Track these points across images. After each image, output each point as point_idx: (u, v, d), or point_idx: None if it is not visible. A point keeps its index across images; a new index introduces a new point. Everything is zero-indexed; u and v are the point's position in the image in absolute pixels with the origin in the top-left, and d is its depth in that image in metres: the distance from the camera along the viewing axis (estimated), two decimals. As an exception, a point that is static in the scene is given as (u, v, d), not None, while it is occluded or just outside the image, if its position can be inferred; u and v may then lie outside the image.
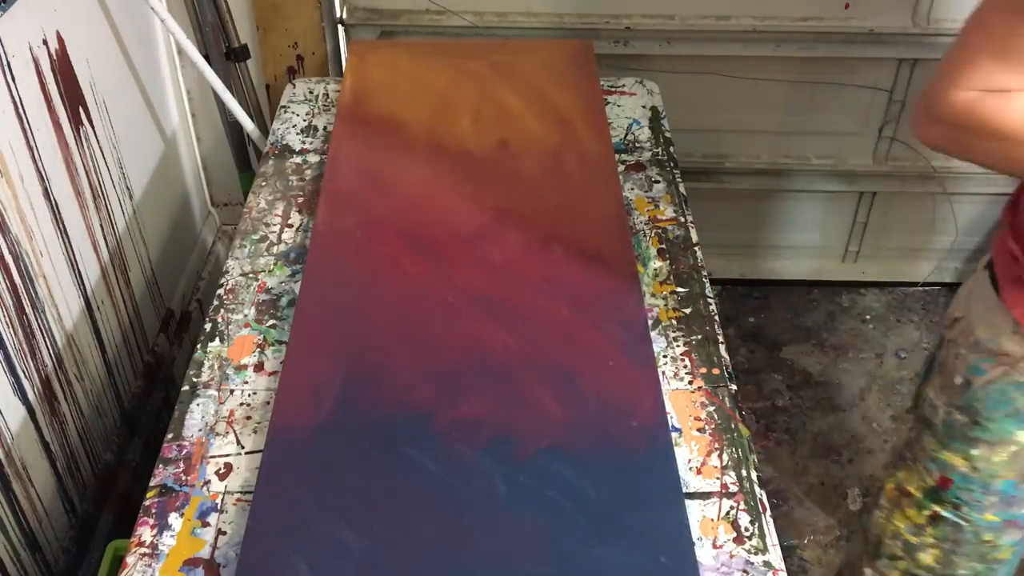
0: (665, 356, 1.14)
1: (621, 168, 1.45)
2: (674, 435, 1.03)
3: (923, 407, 1.12)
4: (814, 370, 2.11)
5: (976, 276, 1.05)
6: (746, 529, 0.95)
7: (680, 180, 1.44)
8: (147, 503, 0.98)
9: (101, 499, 1.47)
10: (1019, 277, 0.99)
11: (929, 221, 2.17)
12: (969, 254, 2.26)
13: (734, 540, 0.94)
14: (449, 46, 1.82)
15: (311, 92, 1.68)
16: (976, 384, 1.04)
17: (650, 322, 1.17)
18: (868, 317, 2.24)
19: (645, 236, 1.32)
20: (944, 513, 1.07)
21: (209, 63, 1.76)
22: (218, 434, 1.05)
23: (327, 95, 1.67)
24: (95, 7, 1.55)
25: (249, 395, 1.09)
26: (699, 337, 1.16)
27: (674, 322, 1.18)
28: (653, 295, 1.22)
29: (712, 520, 0.95)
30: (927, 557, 1.12)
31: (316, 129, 1.57)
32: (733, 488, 0.99)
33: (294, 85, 1.70)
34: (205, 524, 0.95)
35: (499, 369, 1.08)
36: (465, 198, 1.35)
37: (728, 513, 0.96)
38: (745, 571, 0.91)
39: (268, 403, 1.07)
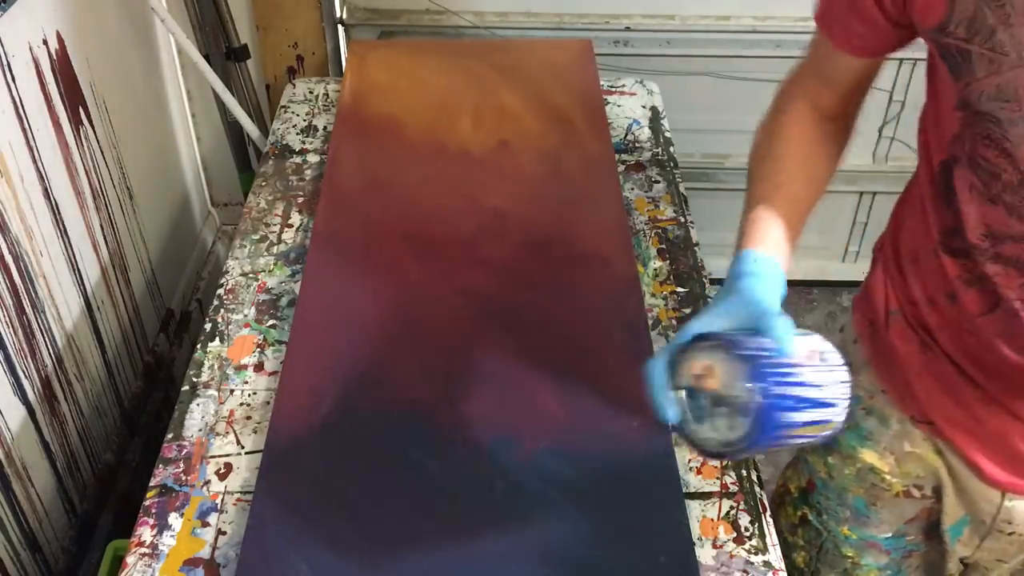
0: (665, 356, 1.13)
1: (621, 168, 1.45)
2: (674, 435, 1.03)
3: None
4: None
5: None
6: (746, 529, 0.95)
7: (680, 180, 1.44)
8: (147, 503, 0.98)
9: (101, 499, 1.47)
10: (868, 284, 0.98)
11: (929, 221, 2.17)
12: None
13: (734, 540, 0.94)
14: (449, 46, 1.82)
15: (311, 92, 1.68)
16: None
17: (650, 322, 1.17)
18: (868, 317, 2.24)
19: (645, 236, 1.32)
20: (810, 517, 1.05)
21: (209, 63, 1.76)
22: (218, 434, 1.05)
23: (327, 95, 1.67)
24: (95, 7, 1.54)
25: (249, 395, 1.09)
26: (699, 337, 1.16)
27: (674, 322, 1.18)
28: (653, 295, 1.22)
29: (712, 520, 0.95)
30: (799, 559, 1.11)
31: (316, 129, 1.57)
32: (733, 488, 0.99)
33: (294, 85, 1.70)
34: (205, 524, 0.95)
35: (499, 369, 1.08)
36: (465, 198, 1.35)
37: (728, 513, 0.96)
38: (745, 571, 0.91)
39: (268, 403, 1.07)
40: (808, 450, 1.05)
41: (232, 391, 1.10)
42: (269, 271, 1.27)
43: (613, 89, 1.66)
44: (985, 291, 0.78)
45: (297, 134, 1.56)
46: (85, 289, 1.45)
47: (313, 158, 1.50)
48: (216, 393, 1.10)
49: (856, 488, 0.99)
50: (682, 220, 1.35)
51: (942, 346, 0.85)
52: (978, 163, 0.72)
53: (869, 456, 0.96)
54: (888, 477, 0.96)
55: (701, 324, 0.73)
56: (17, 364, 1.23)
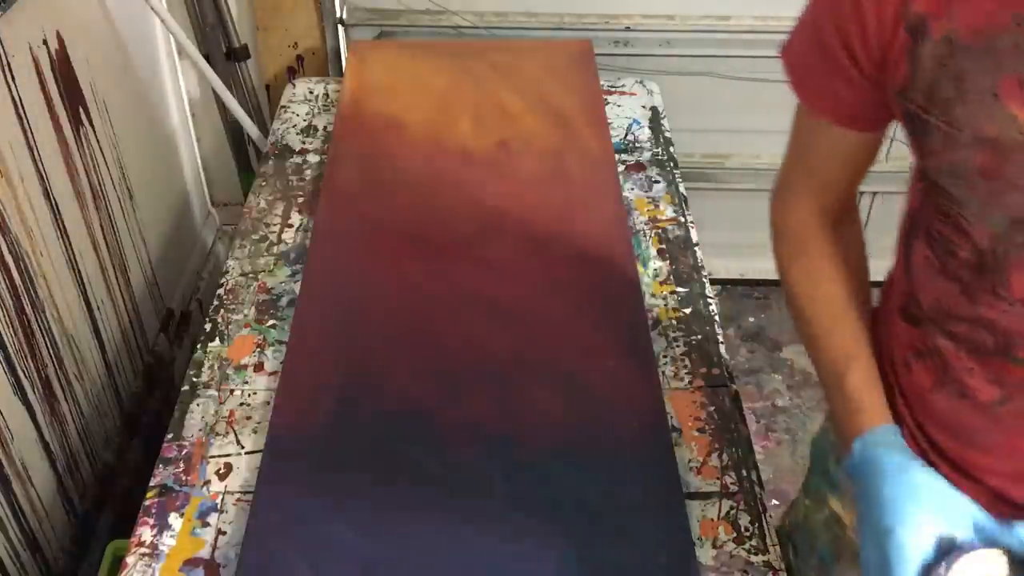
0: (665, 356, 1.13)
1: (621, 168, 1.45)
2: (674, 435, 1.03)
3: None
4: (814, 370, 2.11)
5: None
6: (746, 529, 0.95)
7: (680, 180, 1.44)
8: (147, 503, 0.98)
9: (101, 499, 1.47)
10: None
11: (929, 221, 2.17)
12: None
13: (734, 540, 0.94)
14: (449, 46, 1.82)
15: (311, 92, 1.68)
16: (816, 433, 0.99)
17: (650, 322, 1.17)
18: (868, 317, 2.24)
19: (645, 236, 1.32)
20: (791, 556, 1.01)
21: (209, 63, 1.76)
22: (218, 434, 1.05)
23: (327, 95, 1.67)
24: (95, 7, 1.54)
25: (249, 395, 1.09)
26: (699, 337, 1.16)
27: (674, 322, 1.18)
28: (653, 295, 1.22)
29: (712, 520, 0.95)
30: None
31: (316, 129, 1.57)
32: (733, 488, 0.99)
33: (294, 85, 1.70)
34: (205, 524, 0.95)
35: (499, 369, 1.08)
36: (465, 198, 1.35)
37: (728, 513, 0.96)
38: (745, 571, 0.91)
39: (268, 403, 1.07)
40: (801, 489, 1.02)
41: (232, 391, 1.10)
42: (269, 271, 1.27)
43: (613, 89, 1.66)
44: (935, 365, 0.74)
45: (297, 134, 1.56)
46: (85, 289, 1.45)
47: (313, 158, 1.50)
48: (216, 393, 1.10)
49: (824, 535, 0.95)
50: (682, 220, 1.35)
51: (907, 405, 0.80)
52: (934, 237, 0.69)
53: (835, 504, 0.92)
54: (849, 533, 0.91)
55: (916, 534, 0.65)
56: (17, 364, 1.23)
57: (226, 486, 0.99)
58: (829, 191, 0.81)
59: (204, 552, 0.93)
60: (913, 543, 0.64)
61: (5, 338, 1.20)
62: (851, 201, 0.84)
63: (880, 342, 0.82)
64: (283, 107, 1.64)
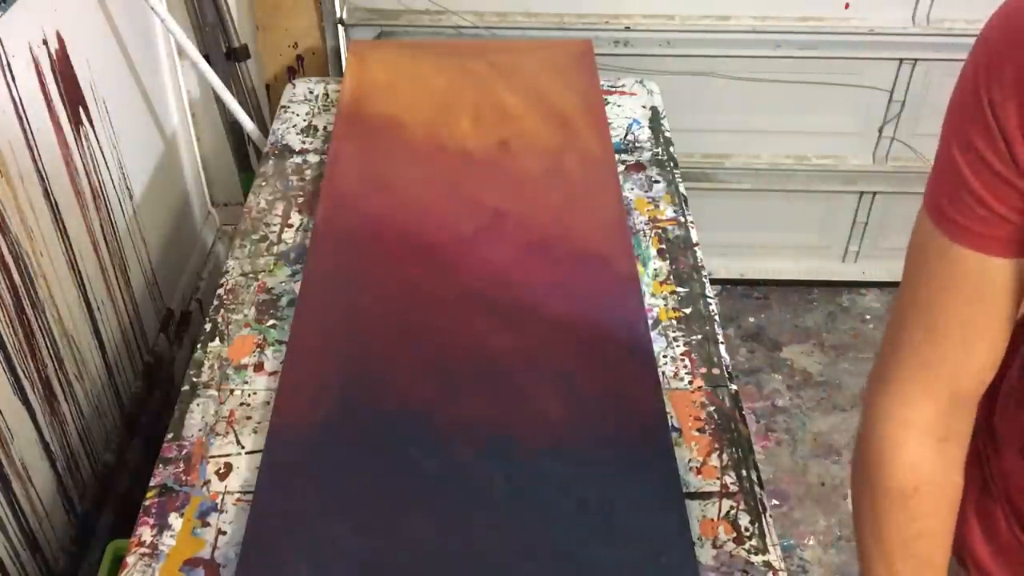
0: (665, 356, 1.14)
1: (621, 168, 1.45)
2: (674, 435, 1.03)
3: None
4: (814, 370, 2.11)
5: None
6: (746, 529, 0.95)
7: (680, 180, 1.44)
8: (147, 503, 0.98)
9: (101, 499, 1.47)
10: None
11: (929, 221, 2.16)
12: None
13: (734, 540, 0.94)
14: (449, 46, 1.82)
15: (311, 92, 1.68)
16: None
17: (650, 322, 1.17)
18: (868, 317, 2.24)
19: (645, 236, 1.32)
20: None
21: (209, 63, 1.76)
22: (218, 434, 1.05)
23: (327, 95, 1.67)
24: (95, 7, 1.54)
25: (249, 395, 1.09)
26: (699, 337, 1.16)
27: (674, 322, 1.18)
28: (653, 295, 1.22)
29: (712, 520, 0.95)
30: None
31: (316, 129, 1.57)
32: (733, 488, 0.99)
33: (294, 85, 1.70)
34: (205, 524, 0.95)
35: (499, 369, 1.08)
36: (465, 198, 1.35)
37: (728, 513, 0.96)
38: (745, 571, 0.91)
39: (268, 403, 1.07)
40: None
41: (232, 391, 1.10)
42: (269, 271, 1.27)
43: (613, 89, 1.66)
44: None
45: (297, 134, 1.56)
46: (85, 289, 1.45)
47: (313, 158, 1.50)
48: (216, 393, 1.10)
49: None
50: (682, 220, 1.35)
51: (1001, 491, 0.75)
52: None
53: None
54: None
55: None
56: (17, 364, 1.23)
57: (226, 486, 0.99)
58: (967, 372, 0.65)
59: (204, 552, 0.93)
60: None
61: (5, 338, 1.20)
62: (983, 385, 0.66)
63: (994, 417, 0.75)
64: (283, 107, 1.64)
